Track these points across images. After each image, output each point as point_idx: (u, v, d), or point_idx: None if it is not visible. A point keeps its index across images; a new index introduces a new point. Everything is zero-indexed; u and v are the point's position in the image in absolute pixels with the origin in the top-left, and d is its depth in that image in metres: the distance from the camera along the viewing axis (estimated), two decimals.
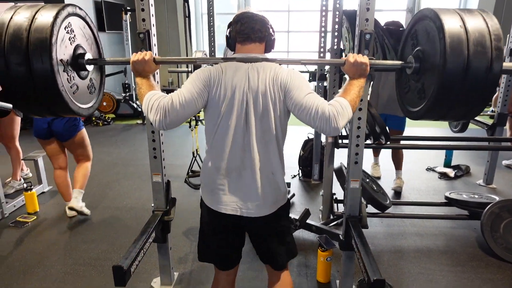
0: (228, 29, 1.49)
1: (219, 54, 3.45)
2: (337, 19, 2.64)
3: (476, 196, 3.03)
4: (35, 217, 3.13)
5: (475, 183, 3.84)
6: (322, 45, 3.29)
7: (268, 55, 1.48)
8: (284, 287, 1.64)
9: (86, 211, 3.06)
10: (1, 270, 2.43)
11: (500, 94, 3.50)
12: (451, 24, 1.38)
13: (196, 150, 3.12)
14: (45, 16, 1.41)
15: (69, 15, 1.53)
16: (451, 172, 4.01)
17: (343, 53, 2.66)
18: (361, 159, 1.95)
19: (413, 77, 1.63)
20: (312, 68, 3.87)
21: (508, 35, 3.46)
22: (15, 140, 3.51)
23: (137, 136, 5.83)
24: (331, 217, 2.94)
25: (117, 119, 6.86)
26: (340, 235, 2.17)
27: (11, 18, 1.41)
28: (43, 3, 1.50)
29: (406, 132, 3.67)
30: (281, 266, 1.64)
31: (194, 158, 3.10)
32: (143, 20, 1.77)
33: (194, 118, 3.13)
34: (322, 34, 3.25)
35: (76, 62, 1.58)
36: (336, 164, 2.89)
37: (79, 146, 3.05)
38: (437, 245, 2.71)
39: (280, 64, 1.44)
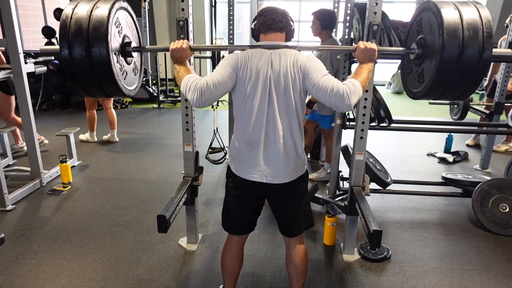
0: (253, 22, 1.72)
1: (237, 42, 3.70)
2: (348, 11, 2.90)
3: (470, 177, 3.32)
4: (70, 186, 3.48)
5: (472, 168, 4.12)
6: (334, 35, 3.55)
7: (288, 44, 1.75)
8: (299, 252, 1.85)
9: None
10: (47, 228, 2.78)
11: (498, 84, 3.75)
12: (449, 18, 1.60)
13: (216, 128, 3.41)
14: (102, 9, 1.64)
15: (118, 9, 1.77)
16: (450, 158, 4.29)
17: (353, 43, 2.93)
18: (365, 135, 2.25)
19: (415, 62, 1.88)
20: None
21: (508, 28, 3.70)
22: (11, 114, 4.12)
23: (154, 118, 6.15)
24: (337, 192, 3.24)
25: (134, 103, 7.19)
26: (345, 203, 2.47)
27: (73, 11, 1.65)
28: None
29: (410, 117, 3.93)
30: (298, 232, 1.81)
31: (214, 136, 3.40)
32: (183, 9, 2.05)
33: None
34: None
35: (124, 50, 1.83)
36: (343, 144, 3.19)
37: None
38: (431, 218, 3.02)
39: (299, 50, 1.67)
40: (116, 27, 1.75)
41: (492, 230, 2.76)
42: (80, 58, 1.60)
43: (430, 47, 1.74)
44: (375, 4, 1.99)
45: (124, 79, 1.86)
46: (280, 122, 1.62)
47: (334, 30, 3.49)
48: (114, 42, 1.71)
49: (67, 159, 3.56)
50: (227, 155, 4.04)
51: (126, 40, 1.86)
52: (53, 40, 6.39)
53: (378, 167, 3.26)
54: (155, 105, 6.94)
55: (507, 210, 2.78)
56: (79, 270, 2.31)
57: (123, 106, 6.84)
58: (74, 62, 1.63)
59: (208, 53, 3.87)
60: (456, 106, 3.78)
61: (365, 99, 2.17)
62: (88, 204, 3.18)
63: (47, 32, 6.37)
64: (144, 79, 7.16)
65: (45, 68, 3.76)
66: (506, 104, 3.83)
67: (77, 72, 1.67)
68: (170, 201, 2.06)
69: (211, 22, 3.69)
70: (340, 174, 3.26)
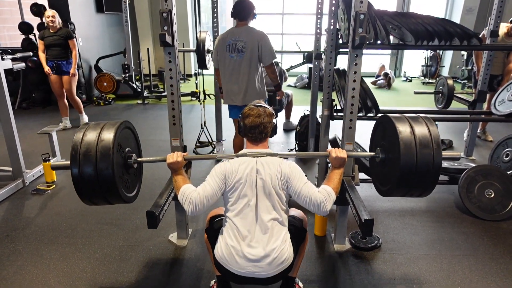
0: (240, 123, 1.82)
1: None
2: (333, 1, 2.89)
3: (456, 164, 3.37)
4: (54, 186, 3.40)
5: None
6: (318, 26, 3.55)
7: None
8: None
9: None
10: (32, 229, 2.71)
11: (480, 73, 3.81)
12: (403, 131, 1.79)
13: (204, 122, 3.37)
14: (107, 137, 1.76)
15: (122, 130, 1.87)
16: None
17: (339, 33, 2.92)
18: (354, 125, 2.25)
19: (380, 164, 2.01)
20: (309, 48, 4.12)
21: (489, 18, 3.75)
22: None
23: (139, 115, 6.05)
24: None
25: (118, 99, 7.06)
26: None
27: (82, 138, 1.77)
28: (106, 122, 1.87)
29: (396, 108, 3.97)
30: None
31: (202, 130, 3.36)
32: (166, 0, 2.00)
33: (203, 92, 3.37)
34: (319, 16, 3.51)
35: (126, 163, 1.92)
36: (331, 136, 3.20)
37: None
38: (419, 206, 3.06)
39: (280, 157, 1.76)
40: (119, 147, 1.85)
41: (478, 216, 2.82)
42: (89, 180, 1.73)
43: (392, 155, 1.90)
44: None
45: (127, 188, 1.95)
46: (267, 224, 1.68)
47: (319, 22, 3.49)
48: (117, 159, 1.81)
49: (50, 158, 3.47)
50: (215, 150, 4.03)
51: (128, 154, 1.94)
52: (31, 36, 6.22)
53: (366, 158, 3.27)
54: (140, 101, 6.83)
55: (492, 195, 2.84)
56: (67, 270, 2.26)
57: (107, 102, 6.72)
58: (84, 182, 1.75)
59: (193, 47, 3.82)
60: (440, 95, 3.83)
61: (353, 89, 2.16)
62: (73, 202, 3.11)
63: (24, 27, 6.19)
64: (128, 74, 7.05)
65: (24, 64, 3.64)
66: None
67: (86, 189, 1.78)
68: (159, 197, 2.04)
69: (194, 16, 3.63)
70: (329, 165, 3.26)
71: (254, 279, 1.68)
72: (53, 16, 4.79)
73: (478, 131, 4.62)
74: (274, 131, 1.86)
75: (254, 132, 1.78)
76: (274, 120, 1.84)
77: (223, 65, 3.22)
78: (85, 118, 5.37)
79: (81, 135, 1.77)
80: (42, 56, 4.87)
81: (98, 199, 1.85)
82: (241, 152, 1.79)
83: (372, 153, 2.07)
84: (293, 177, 1.70)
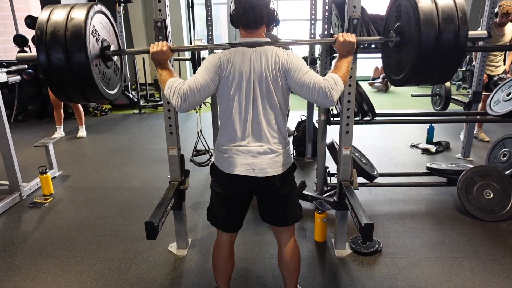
0: (232, 10, 1.66)
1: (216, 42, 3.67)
2: (327, 7, 2.90)
3: (453, 166, 3.37)
4: (51, 198, 3.37)
5: (454, 157, 4.20)
6: (312, 31, 3.57)
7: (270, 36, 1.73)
8: (290, 250, 1.82)
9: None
10: (30, 243, 2.68)
11: (474, 74, 3.83)
12: (424, 5, 1.60)
13: (200, 130, 3.37)
14: (78, 16, 1.59)
15: (95, 13, 1.71)
16: (432, 148, 4.36)
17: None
18: (351, 130, 2.25)
19: (395, 50, 1.87)
20: (304, 53, 4.13)
21: (481, 19, 3.78)
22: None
23: (135, 124, 6.04)
24: (325, 188, 3.24)
25: (114, 110, 7.05)
26: (334, 198, 2.47)
27: (49, 17, 1.59)
28: (74, 3, 1.70)
29: (393, 111, 3.98)
30: (288, 223, 1.79)
31: (198, 138, 3.35)
32: (160, 10, 2.01)
33: None
34: (313, 21, 3.53)
35: (104, 54, 1.78)
36: (328, 141, 3.19)
37: None
38: (419, 209, 3.05)
39: (279, 47, 1.64)
40: (94, 32, 1.70)
41: (478, 217, 2.81)
42: (59, 65, 1.56)
43: (408, 34, 1.73)
44: None
45: (106, 82, 1.81)
46: (265, 121, 1.62)
47: (313, 28, 3.51)
48: (93, 47, 1.67)
49: (47, 170, 3.45)
50: (212, 157, 4.01)
51: (105, 44, 1.81)
52: (26, 49, 6.21)
53: (364, 161, 3.28)
54: (136, 111, 6.83)
55: (491, 196, 2.84)
56: (66, 284, 2.23)
57: (103, 113, 6.70)
58: (53, 69, 1.58)
59: (188, 55, 3.83)
60: (438, 97, 3.84)
61: (349, 93, 2.16)
62: (71, 215, 3.08)
63: (19, 40, 6.17)
64: (124, 84, 7.04)
65: (19, 77, 3.63)
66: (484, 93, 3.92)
67: (57, 78, 1.62)
68: (157, 207, 2.01)
69: (189, 24, 3.64)
70: (327, 170, 3.26)
71: (253, 180, 1.63)
72: None
73: (475, 131, 4.64)
74: (271, 19, 1.66)
75: (248, 15, 1.57)
76: (270, 7, 1.63)
77: None
78: (83, 132, 5.35)
79: (48, 14, 1.55)
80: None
81: (73, 92, 1.67)
82: (235, 41, 1.63)
83: (385, 38, 1.87)
84: (293, 66, 1.54)
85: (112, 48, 1.85)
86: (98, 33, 1.74)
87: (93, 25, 1.65)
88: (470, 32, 1.62)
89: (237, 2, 1.61)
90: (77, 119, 5.32)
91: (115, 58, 1.90)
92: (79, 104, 5.20)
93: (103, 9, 1.83)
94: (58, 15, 1.59)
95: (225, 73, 1.57)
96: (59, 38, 1.52)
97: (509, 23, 4.24)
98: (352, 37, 1.64)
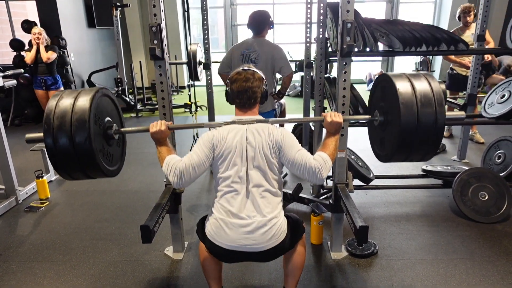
0: (227, 88, 1.75)
1: (212, 47, 3.69)
2: (321, 11, 2.93)
3: (449, 168, 3.39)
4: (48, 202, 3.37)
5: (450, 159, 4.22)
6: (308, 35, 3.59)
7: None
8: (299, 245, 1.82)
9: None
10: (26, 247, 2.67)
11: (469, 77, 3.85)
12: (403, 90, 1.69)
13: (196, 134, 3.38)
14: (82, 106, 1.66)
15: (99, 97, 1.78)
16: None
17: (328, 41, 2.96)
18: (346, 132, 2.26)
19: (379, 128, 1.95)
20: (300, 57, 4.16)
21: (475, 23, 3.81)
22: None
23: (132, 128, 6.03)
24: (321, 191, 3.25)
25: None
26: (329, 201, 2.48)
27: (57, 104, 1.67)
28: (81, 89, 1.77)
29: None
30: (296, 245, 1.79)
31: (194, 141, 3.36)
32: (155, 15, 2.02)
33: (194, 104, 3.38)
34: (308, 25, 3.55)
35: (106, 134, 1.84)
36: None
37: None
38: (415, 211, 3.06)
39: (272, 124, 1.70)
40: (97, 119, 1.76)
41: (473, 219, 2.82)
42: (64, 150, 1.63)
43: (391, 115, 1.81)
44: (347, 2, 2.01)
45: (108, 160, 1.87)
46: (258, 195, 1.64)
47: (308, 31, 3.53)
48: (96, 133, 1.73)
49: (43, 174, 3.44)
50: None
51: (108, 124, 1.86)
52: (22, 53, 6.22)
53: (360, 164, 3.29)
54: (133, 114, 6.82)
55: (486, 198, 2.86)
56: None
57: None
58: (58, 153, 1.65)
59: (184, 59, 3.84)
60: None
61: (343, 96, 2.18)
62: (68, 219, 3.08)
63: (16, 44, 6.18)
64: (120, 88, 7.05)
65: (15, 81, 3.64)
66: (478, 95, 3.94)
67: (61, 161, 1.69)
68: (153, 210, 2.02)
69: (185, 28, 3.66)
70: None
71: (248, 254, 1.61)
72: (39, 33, 4.84)
73: (471, 133, 4.68)
74: (264, 96, 1.75)
75: (242, 97, 1.67)
76: (263, 85, 1.72)
77: None
78: None
79: (55, 104, 1.65)
80: (30, 54, 4.92)
81: (76, 173, 1.74)
82: (229, 120, 1.70)
83: (369, 116, 1.96)
84: (286, 145, 1.61)
85: (114, 127, 1.89)
86: (101, 118, 1.80)
87: (95, 114, 1.72)
88: (447, 113, 1.70)
89: (231, 83, 1.70)
90: None
91: (116, 136, 1.93)
92: None
93: (106, 92, 1.89)
94: (64, 105, 1.66)
95: (219, 150, 1.63)
96: (65, 127, 1.61)
97: (473, 25, 4.34)
98: (339, 117, 1.73)
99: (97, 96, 1.74)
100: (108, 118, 1.86)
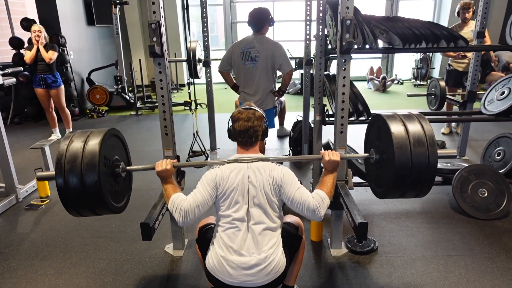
0: (229, 125, 1.80)
1: (212, 45, 3.68)
2: (321, 8, 2.92)
3: (449, 165, 3.39)
4: (48, 200, 3.37)
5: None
6: (307, 32, 3.58)
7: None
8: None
9: None
10: (26, 245, 2.68)
11: (469, 74, 3.85)
12: (397, 133, 1.75)
13: (196, 131, 3.38)
14: (92, 146, 1.71)
15: (110, 137, 1.83)
16: None
17: (327, 38, 2.95)
18: (345, 130, 2.27)
19: (375, 165, 1.99)
20: (299, 54, 4.15)
21: (475, 20, 3.81)
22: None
23: (132, 126, 6.05)
24: None
25: (111, 111, 7.04)
26: None
27: (68, 147, 1.71)
28: (90, 131, 1.80)
29: (388, 111, 4.00)
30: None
31: (194, 139, 3.36)
32: (154, 12, 2.02)
33: (194, 101, 3.38)
34: (308, 22, 3.54)
35: (114, 172, 1.87)
36: (324, 141, 3.21)
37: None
38: (414, 208, 3.07)
39: (272, 162, 1.73)
40: (106, 160, 1.79)
41: (473, 215, 2.83)
42: (74, 190, 1.68)
43: (386, 154, 1.86)
44: None
45: (116, 197, 1.90)
46: (258, 232, 1.66)
47: (308, 28, 3.53)
48: (105, 173, 1.76)
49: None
50: (208, 158, 4.03)
51: (116, 162, 1.89)
52: (22, 51, 6.21)
53: (359, 161, 3.29)
54: (133, 112, 6.82)
55: (486, 194, 2.86)
56: (63, 286, 2.23)
57: (100, 115, 6.70)
58: (69, 192, 1.69)
59: (184, 57, 3.84)
60: (433, 97, 3.87)
61: (343, 93, 2.18)
62: (68, 217, 3.03)
63: (15, 42, 6.17)
64: (120, 86, 7.04)
65: (14, 80, 3.63)
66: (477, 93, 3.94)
67: (71, 200, 1.73)
68: (153, 208, 2.03)
69: (184, 26, 3.65)
70: (323, 170, 3.27)
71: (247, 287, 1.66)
72: (39, 31, 4.81)
73: (453, 125, 4.77)
74: (265, 134, 1.83)
75: (244, 136, 1.73)
76: (264, 123, 1.80)
77: (238, 71, 3.32)
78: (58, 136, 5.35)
79: (65, 147, 1.71)
80: (30, 53, 4.89)
81: (85, 211, 1.80)
82: (231, 158, 1.75)
83: (366, 154, 2.03)
84: (286, 183, 1.66)
85: (122, 165, 1.92)
86: (109, 159, 1.84)
87: (104, 156, 1.76)
88: (440, 151, 1.75)
89: (233, 122, 1.75)
90: (64, 123, 5.33)
91: (123, 174, 1.95)
92: (66, 108, 5.26)
93: (114, 132, 1.92)
94: (75, 147, 1.71)
95: (222, 189, 1.66)
96: (76, 171, 1.66)
97: (471, 22, 4.37)
98: (336, 156, 1.78)
99: (106, 139, 1.78)
100: (116, 157, 1.91)
